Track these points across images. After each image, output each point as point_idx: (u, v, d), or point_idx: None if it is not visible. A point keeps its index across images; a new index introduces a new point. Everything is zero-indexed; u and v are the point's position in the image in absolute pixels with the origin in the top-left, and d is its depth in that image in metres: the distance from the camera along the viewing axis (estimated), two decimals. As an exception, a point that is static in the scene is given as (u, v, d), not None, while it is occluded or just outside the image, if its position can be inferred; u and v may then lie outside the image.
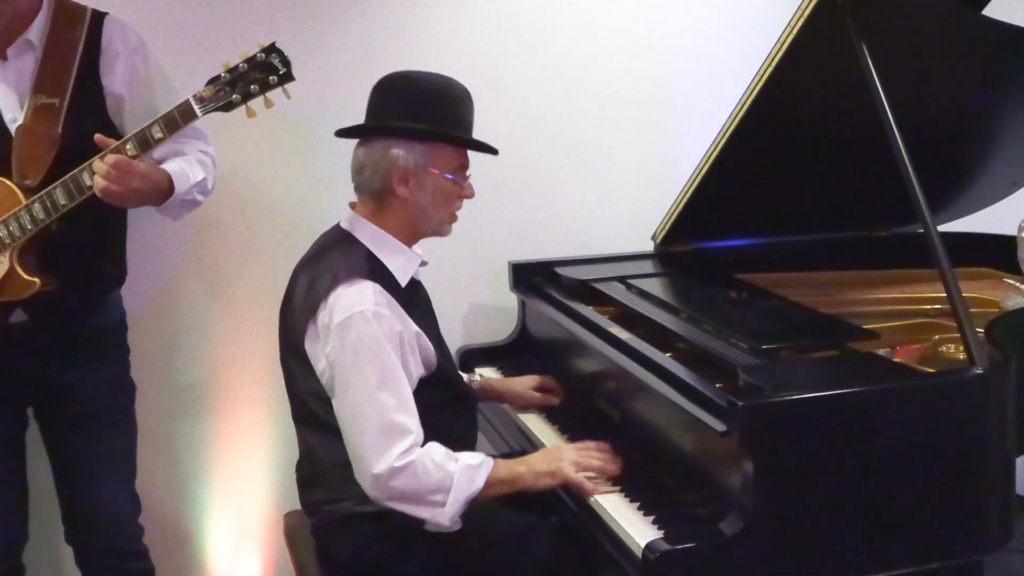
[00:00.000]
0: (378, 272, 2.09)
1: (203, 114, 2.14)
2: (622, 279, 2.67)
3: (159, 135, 2.15)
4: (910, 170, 2.05)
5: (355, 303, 2.02)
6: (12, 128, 2.23)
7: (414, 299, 2.19)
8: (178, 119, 2.14)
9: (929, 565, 1.90)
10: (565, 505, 2.15)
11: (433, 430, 2.04)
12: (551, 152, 3.09)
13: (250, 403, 2.93)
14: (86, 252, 2.34)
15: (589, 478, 2.08)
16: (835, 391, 1.86)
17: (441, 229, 2.21)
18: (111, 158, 2.13)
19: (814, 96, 2.43)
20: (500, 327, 2.97)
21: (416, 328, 2.11)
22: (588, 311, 2.52)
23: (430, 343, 2.15)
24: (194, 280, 2.88)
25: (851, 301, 2.66)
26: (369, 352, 2.00)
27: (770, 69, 2.33)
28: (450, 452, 2.02)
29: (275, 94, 2.16)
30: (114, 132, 2.28)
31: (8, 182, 2.22)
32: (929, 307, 2.58)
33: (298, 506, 2.29)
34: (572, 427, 2.37)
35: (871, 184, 2.53)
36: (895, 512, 1.87)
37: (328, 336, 2.03)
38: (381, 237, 2.15)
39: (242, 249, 2.88)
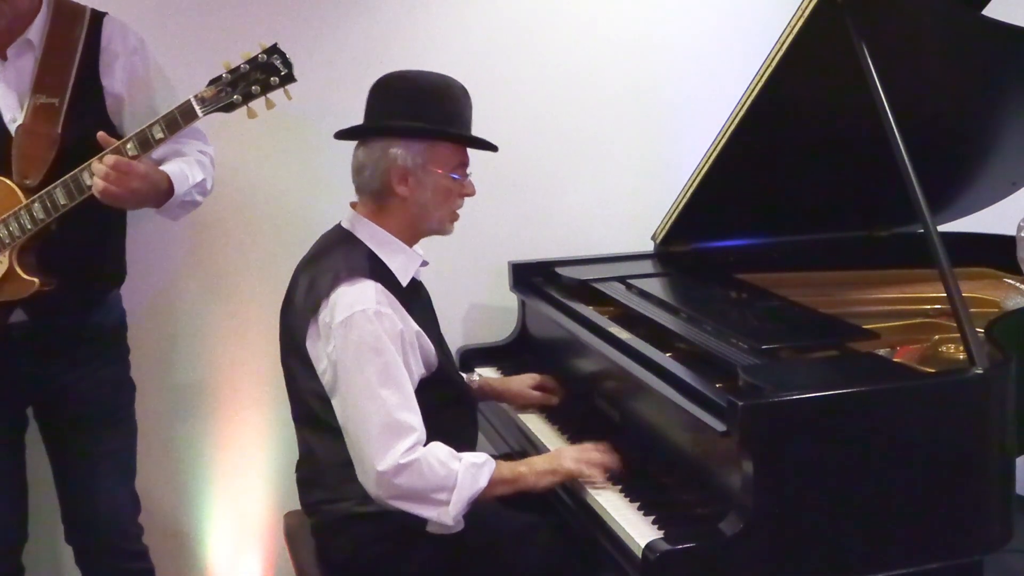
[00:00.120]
0: (379, 272, 2.10)
1: (204, 115, 2.14)
2: (622, 279, 2.67)
3: (160, 135, 2.15)
4: (910, 170, 2.05)
5: (356, 302, 2.02)
6: (12, 128, 2.23)
7: (415, 299, 2.19)
8: (179, 119, 2.14)
9: (929, 565, 1.90)
10: (565, 505, 2.15)
11: (434, 430, 2.04)
12: (551, 152, 3.09)
13: (250, 403, 2.93)
14: (86, 252, 2.34)
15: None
16: (835, 391, 1.86)
17: (442, 228, 2.22)
18: (110, 159, 2.13)
19: (814, 96, 2.43)
20: (500, 327, 2.97)
21: (417, 328, 2.11)
22: (588, 311, 2.52)
23: (431, 343, 2.15)
24: (194, 280, 2.88)
25: (851, 301, 2.66)
26: (371, 350, 2.00)
27: (770, 69, 2.33)
28: (453, 451, 2.03)
29: (276, 95, 2.16)
30: (114, 132, 2.27)
31: (8, 182, 2.21)
32: (929, 307, 2.58)
33: (298, 506, 2.29)
34: (572, 427, 2.37)
35: (871, 184, 2.53)
36: (895, 512, 1.87)
37: (329, 335, 2.03)
38: (382, 237, 2.15)
39: (242, 249, 2.88)
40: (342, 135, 2.18)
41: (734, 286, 2.58)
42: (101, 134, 2.16)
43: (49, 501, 2.53)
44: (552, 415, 2.48)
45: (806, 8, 2.22)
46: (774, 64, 2.32)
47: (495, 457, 2.12)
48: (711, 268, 2.76)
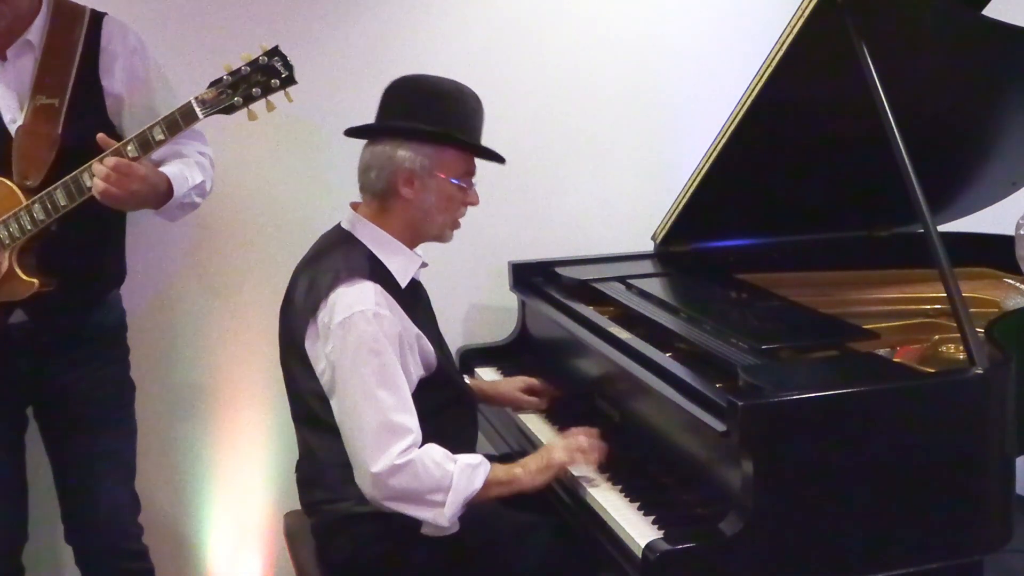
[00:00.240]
0: (378, 272, 2.10)
1: (205, 116, 2.14)
2: (622, 279, 2.67)
3: (160, 136, 2.15)
4: (910, 170, 2.05)
5: (355, 303, 2.02)
6: (12, 129, 2.23)
7: (414, 300, 2.19)
8: (179, 121, 2.14)
9: (929, 565, 1.90)
10: (565, 505, 2.16)
11: (433, 430, 2.04)
12: (551, 152, 3.09)
13: (250, 403, 2.93)
14: (86, 252, 2.34)
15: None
16: (835, 391, 1.86)
17: (443, 234, 2.21)
18: (110, 160, 2.13)
19: (814, 96, 2.43)
20: (500, 327, 2.97)
21: (416, 330, 2.11)
22: (588, 311, 2.52)
23: (430, 344, 2.15)
24: (194, 280, 2.88)
25: (851, 301, 2.66)
26: (369, 352, 2.00)
27: (770, 69, 2.33)
28: (448, 453, 2.03)
29: (277, 97, 2.16)
30: (114, 132, 2.27)
31: (8, 182, 2.22)
32: (929, 307, 2.58)
33: (298, 506, 2.29)
34: (572, 427, 2.36)
35: (871, 184, 2.53)
36: (895, 512, 1.87)
37: (328, 335, 2.03)
38: (382, 238, 2.15)
39: (242, 249, 2.88)
40: (352, 133, 2.18)
41: (734, 286, 2.58)
42: (101, 136, 2.16)
43: (49, 501, 2.53)
44: (552, 415, 2.48)
45: (806, 8, 2.22)
46: (774, 64, 2.32)
47: (493, 458, 2.12)
48: (711, 268, 2.76)
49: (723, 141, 2.52)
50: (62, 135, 2.23)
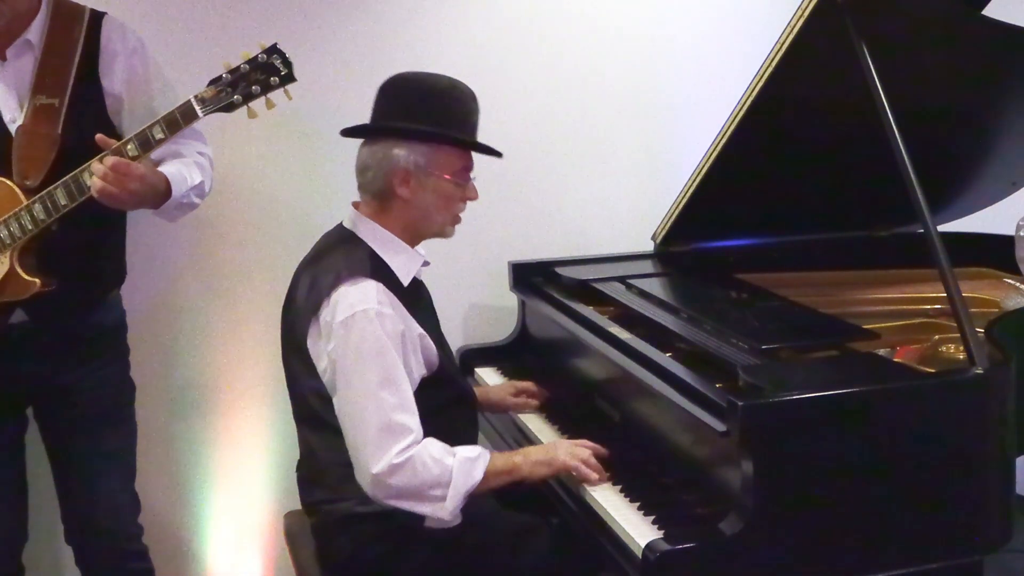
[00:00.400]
0: (381, 271, 2.10)
1: (204, 115, 2.14)
2: (622, 279, 2.67)
3: (160, 135, 2.15)
4: (910, 170, 2.05)
5: (358, 302, 2.02)
6: (12, 128, 2.23)
7: (416, 298, 2.19)
8: (179, 120, 2.14)
9: (929, 565, 1.90)
10: (565, 505, 2.15)
11: (434, 430, 2.04)
12: (551, 152, 3.09)
13: (250, 403, 2.93)
14: (86, 252, 2.34)
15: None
16: (835, 391, 1.86)
17: (443, 231, 2.21)
18: (109, 160, 2.13)
19: (814, 96, 2.43)
20: (500, 327, 2.97)
21: (419, 328, 2.11)
22: (588, 311, 2.52)
23: (432, 343, 2.15)
24: (194, 280, 2.88)
25: (851, 301, 2.66)
26: (371, 351, 2.00)
27: (770, 69, 2.33)
28: (447, 447, 2.03)
29: (276, 95, 2.16)
30: (113, 132, 2.27)
31: (8, 182, 2.21)
32: (929, 307, 2.58)
33: (298, 506, 2.29)
34: (572, 427, 2.37)
35: (871, 184, 2.53)
36: (895, 512, 1.87)
37: (330, 334, 2.03)
38: (384, 236, 2.15)
39: (242, 249, 2.88)
40: (348, 133, 2.18)
41: (734, 286, 2.58)
42: (100, 136, 2.16)
43: (49, 501, 2.53)
44: (552, 415, 2.48)
45: (806, 8, 2.22)
46: (774, 64, 2.32)
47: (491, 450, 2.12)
48: (711, 268, 2.76)
49: (723, 141, 2.52)
50: (62, 135, 2.23)
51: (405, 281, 2.14)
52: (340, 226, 2.22)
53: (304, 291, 2.13)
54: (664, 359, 2.15)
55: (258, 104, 2.16)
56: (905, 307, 2.61)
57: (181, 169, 2.31)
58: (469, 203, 2.23)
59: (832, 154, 2.56)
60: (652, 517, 1.94)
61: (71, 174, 2.16)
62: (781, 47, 2.29)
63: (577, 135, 3.10)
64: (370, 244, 2.14)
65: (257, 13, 2.78)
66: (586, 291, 2.64)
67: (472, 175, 2.20)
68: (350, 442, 2.02)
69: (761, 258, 2.83)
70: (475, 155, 2.20)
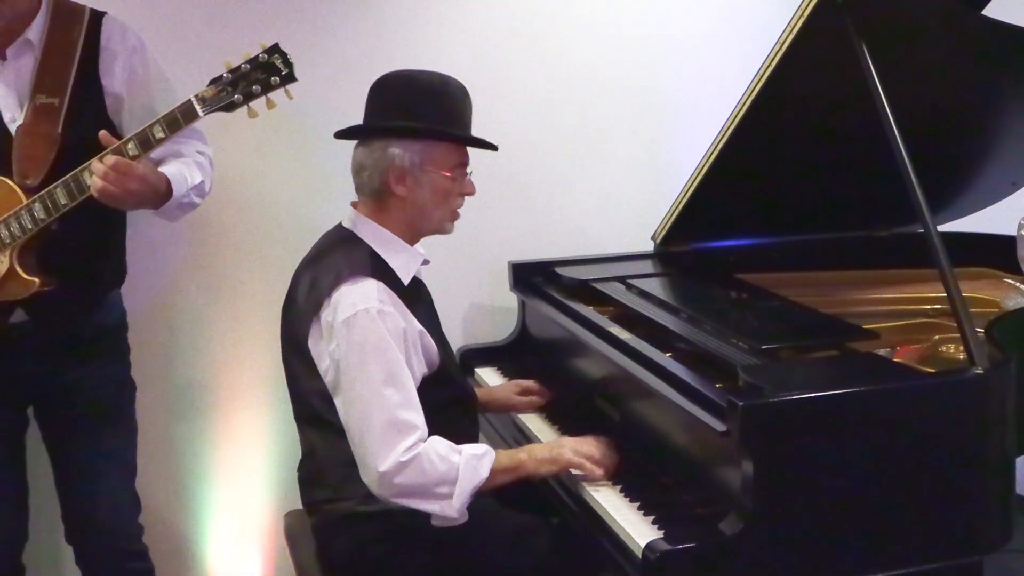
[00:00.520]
0: (381, 270, 2.10)
1: (205, 114, 2.14)
2: (622, 279, 2.67)
3: (161, 135, 2.15)
4: (910, 170, 2.05)
5: (359, 301, 2.02)
6: (12, 128, 2.23)
7: (416, 297, 2.19)
8: (180, 119, 2.14)
9: (929, 565, 1.89)
10: (565, 505, 2.16)
11: (435, 429, 2.04)
12: (551, 152, 3.09)
13: (250, 403, 2.93)
14: (86, 252, 2.34)
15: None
16: (835, 391, 1.86)
17: (442, 227, 2.22)
18: (110, 159, 2.13)
19: (814, 96, 2.43)
20: (500, 327, 2.97)
21: (420, 327, 2.11)
22: (588, 311, 2.52)
23: (433, 341, 2.15)
24: (194, 280, 2.88)
25: (851, 301, 2.66)
26: (374, 349, 2.00)
27: (770, 69, 2.33)
28: (453, 444, 2.03)
29: (277, 95, 2.16)
30: (113, 132, 2.27)
31: (8, 182, 2.22)
32: (929, 307, 2.58)
33: (298, 506, 2.29)
34: (572, 427, 2.37)
35: (871, 184, 2.53)
36: (895, 512, 1.87)
37: (332, 334, 2.03)
38: (383, 236, 2.15)
39: (242, 249, 2.88)
40: (341, 135, 2.18)
41: (734, 286, 2.57)
42: (103, 133, 2.16)
43: (49, 501, 2.53)
44: (552, 415, 2.48)
45: (806, 8, 2.22)
46: (774, 64, 2.32)
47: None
48: (711, 268, 2.76)
49: (723, 141, 2.52)
50: (62, 134, 2.23)
51: (405, 280, 2.14)
52: (339, 226, 2.22)
53: (304, 291, 2.13)
54: (664, 359, 2.15)
55: (259, 104, 2.16)
56: (905, 307, 2.61)
57: (182, 169, 2.31)
58: (470, 203, 2.23)
59: (832, 154, 2.56)
60: (652, 517, 1.94)
61: (71, 173, 2.17)
62: (781, 47, 2.29)
63: (577, 135, 3.10)
64: (370, 243, 2.14)
65: (258, 13, 2.78)
66: (586, 291, 2.64)
67: (468, 170, 2.20)
68: (355, 441, 2.02)
69: (761, 258, 2.83)
70: (473, 153, 2.21)
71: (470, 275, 3.04)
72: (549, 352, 2.70)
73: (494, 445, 2.59)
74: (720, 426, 1.83)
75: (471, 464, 2.02)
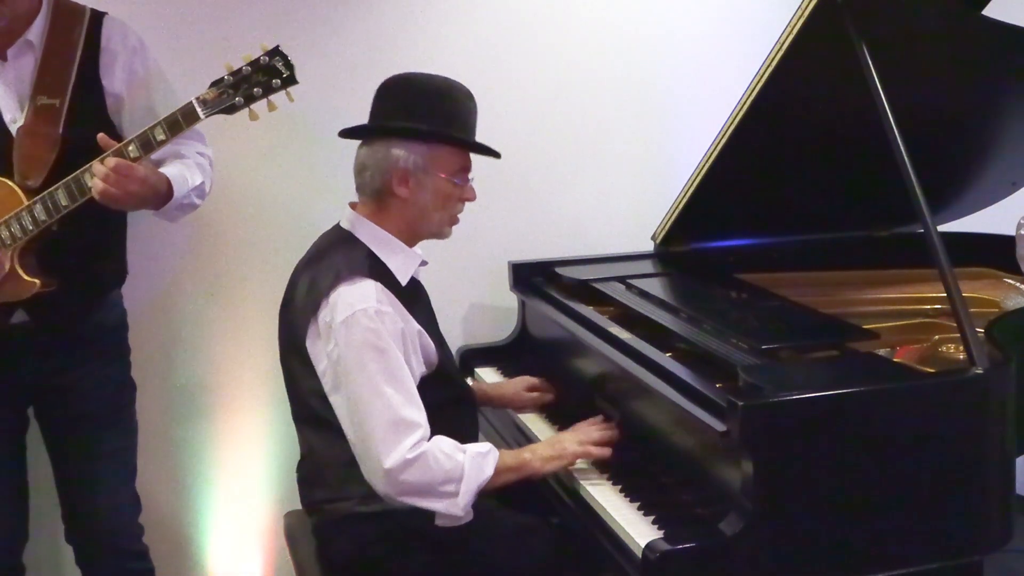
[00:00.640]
0: (379, 271, 2.10)
1: (206, 116, 2.14)
2: (622, 279, 2.67)
3: (162, 137, 2.15)
4: (910, 170, 2.05)
5: (357, 301, 2.02)
6: (13, 129, 2.23)
7: (414, 298, 2.20)
8: (181, 121, 2.14)
9: (929, 565, 1.89)
10: (565, 505, 2.16)
11: (434, 429, 2.04)
12: (551, 152, 3.09)
13: (250, 403, 2.93)
14: (87, 253, 2.34)
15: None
16: (835, 391, 1.86)
17: (441, 231, 2.22)
18: (111, 161, 2.13)
19: (814, 96, 2.43)
20: (500, 327, 2.97)
21: (418, 326, 2.11)
22: (588, 311, 2.52)
23: (431, 341, 2.15)
24: (194, 280, 2.88)
25: (851, 301, 2.66)
26: (373, 349, 2.00)
27: (770, 69, 2.34)
28: (457, 443, 2.04)
29: (278, 97, 2.16)
30: (114, 132, 2.28)
31: (9, 183, 2.22)
32: (929, 307, 2.58)
33: (298, 506, 2.29)
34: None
35: (871, 184, 2.53)
36: (895, 512, 1.87)
37: (330, 334, 2.03)
38: (382, 236, 2.15)
39: (242, 249, 2.88)
40: (346, 134, 2.18)
41: (734, 286, 2.58)
42: (101, 136, 2.16)
43: (50, 501, 2.53)
44: (552, 415, 2.49)
45: (806, 8, 2.22)
46: (774, 64, 2.32)
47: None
48: (711, 268, 2.76)
49: (723, 141, 2.52)
50: (63, 135, 2.23)
51: (403, 281, 2.15)
52: (337, 227, 2.22)
53: (302, 292, 2.13)
54: (664, 359, 2.15)
55: (259, 106, 2.16)
56: (905, 307, 2.61)
57: (182, 170, 2.31)
58: (471, 204, 2.24)
59: (832, 154, 2.56)
60: (652, 517, 1.94)
61: (72, 175, 2.17)
62: (781, 47, 2.29)
63: (577, 135, 3.10)
64: (368, 244, 2.14)
65: (259, 15, 2.78)
66: (586, 291, 2.65)
67: (470, 176, 2.20)
68: (358, 441, 2.02)
69: (761, 258, 2.83)
70: (474, 156, 2.21)
71: (470, 275, 3.04)
72: (549, 352, 2.70)
73: (494, 444, 2.60)
74: (720, 426, 1.83)
75: (476, 462, 2.02)
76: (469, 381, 2.59)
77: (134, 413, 2.55)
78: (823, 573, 1.86)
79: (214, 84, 2.15)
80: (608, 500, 2.03)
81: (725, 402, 1.83)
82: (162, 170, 2.28)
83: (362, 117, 2.20)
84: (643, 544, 1.81)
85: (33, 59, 2.26)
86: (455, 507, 2.00)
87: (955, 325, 1.99)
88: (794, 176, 2.61)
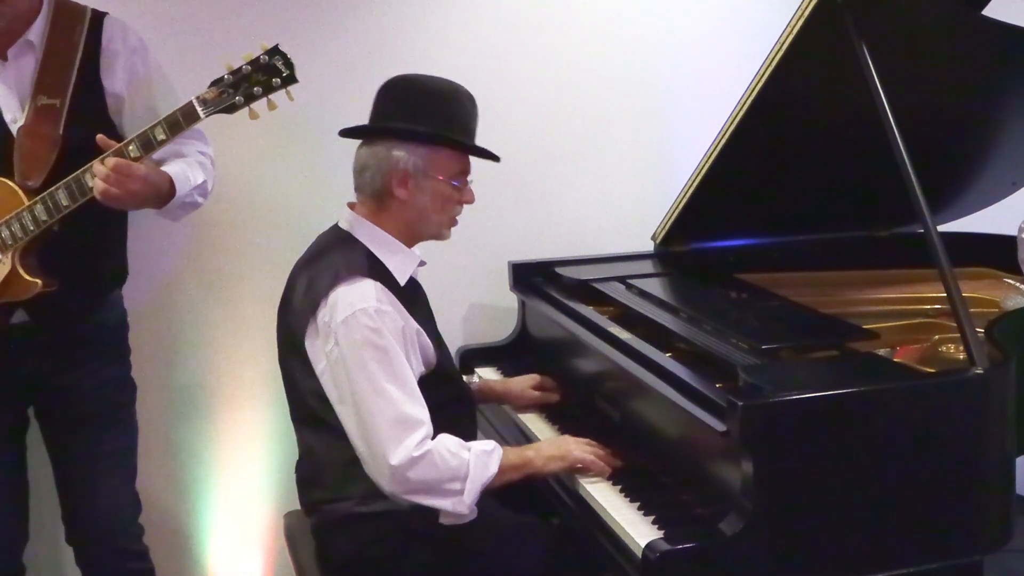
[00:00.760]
0: (377, 271, 2.10)
1: (206, 116, 2.14)
2: (622, 279, 2.67)
3: (162, 136, 2.15)
4: (910, 170, 2.05)
5: (357, 300, 2.03)
6: (13, 129, 2.23)
7: (413, 298, 2.20)
8: (181, 121, 2.14)
9: (929, 565, 1.90)
10: (565, 505, 2.16)
11: (434, 429, 2.04)
12: (551, 152, 3.09)
13: (250, 403, 2.93)
14: (87, 253, 2.34)
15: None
16: (835, 391, 1.86)
17: (439, 233, 2.22)
18: (111, 161, 2.13)
19: (814, 96, 2.43)
20: (500, 327, 2.97)
21: (416, 325, 2.12)
22: (588, 311, 2.52)
23: (430, 341, 2.15)
24: (194, 280, 2.88)
25: (851, 301, 2.66)
26: (374, 348, 2.00)
27: (770, 69, 2.34)
28: (462, 441, 2.05)
29: (278, 96, 2.16)
30: (114, 132, 2.28)
31: (10, 183, 2.22)
32: (929, 307, 2.58)
33: (298, 506, 2.29)
34: (572, 427, 2.36)
35: (871, 184, 2.53)
36: (895, 512, 1.87)
37: (329, 334, 2.04)
38: (380, 237, 2.15)
39: (242, 249, 2.88)
40: (347, 133, 2.19)
41: (734, 286, 2.58)
42: (100, 137, 2.16)
43: (50, 501, 2.53)
44: (552, 415, 2.49)
45: (806, 8, 2.22)
46: (774, 64, 2.32)
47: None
48: (711, 268, 2.76)
49: (723, 141, 2.52)
50: (63, 135, 2.23)
51: (402, 281, 2.15)
52: (336, 227, 2.22)
53: (301, 292, 2.13)
54: (664, 359, 2.15)
55: (260, 105, 2.16)
56: (905, 307, 2.61)
57: (184, 169, 2.31)
58: (471, 204, 2.23)
59: (832, 154, 2.56)
60: (652, 517, 1.94)
61: (73, 175, 2.17)
62: (781, 47, 2.29)
63: (577, 135, 3.10)
64: (367, 244, 2.14)
65: (259, 14, 2.78)
66: (586, 291, 2.65)
67: (469, 178, 2.20)
68: (363, 439, 2.02)
69: (761, 258, 2.83)
70: (473, 158, 2.21)
71: (470, 275, 3.04)
72: (549, 352, 2.70)
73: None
74: (720, 426, 1.83)
75: (481, 460, 2.03)
76: (475, 378, 2.59)
77: (134, 413, 2.55)
78: (823, 573, 1.86)
79: (214, 83, 2.15)
80: (608, 500, 2.03)
81: (725, 402, 1.83)
82: (164, 168, 2.28)
83: (362, 117, 2.20)
84: (643, 544, 1.81)
85: (34, 59, 2.26)
86: (461, 505, 2.00)
87: (955, 325, 1.99)
88: (794, 176, 2.61)
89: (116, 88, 2.32)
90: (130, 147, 2.15)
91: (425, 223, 2.18)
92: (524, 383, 2.55)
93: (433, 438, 2.02)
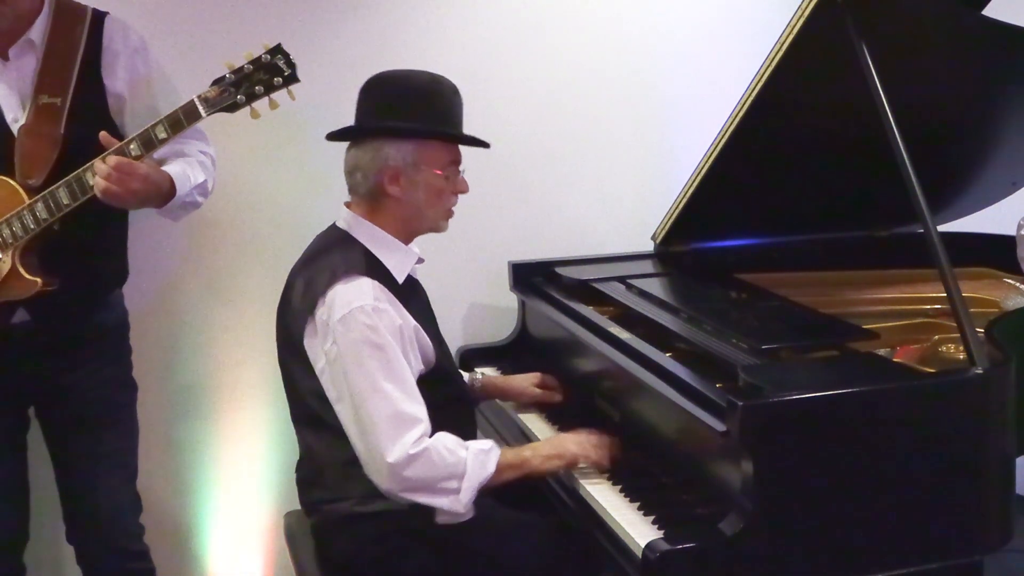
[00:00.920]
0: (375, 269, 2.10)
1: (208, 115, 2.14)
2: (622, 279, 2.67)
3: (163, 135, 2.15)
4: (910, 170, 2.05)
5: (354, 299, 2.03)
6: (14, 128, 2.23)
7: (412, 296, 2.20)
8: (182, 120, 2.14)
9: (929, 565, 1.90)
10: (564, 505, 2.16)
11: (432, 428, 2.04)
12: (551, 152, 3.09)
13: (250, 403, 2.93)
14: (88, 252, 2.34)
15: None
16: (835, 391, 1.86)
17: (437, 225, 2.22)
18: (112, 159, 2.14)
19: (814, 96, 2.43)
20: (500, 327, 2.97)
21: (415, 323, 2.12)
22: (588, 311, 2.52)
23: (428, 339, 2.15)
24: (194, 280, 2.88)
25: (851, 301, 2.66)
26: (372, 346, 2.01)
27: (770, 69, 2.34)
28: (460, 439, 2.05)
29: (279, 95, 2.17)
30: (115, 132, 2.27)
31: (11, 182, 2.22)
32: (929, 307, 2.58)
33: (298, 506, 2.29)
34: (572, 427, 2.35)
35: (871, 184, 2.53)
36: (895, 512, 1.87)
37: (327, 333, 2.04)
38: (378, 235, 2.16)
39: (242, 249, 2.88)
40: (333, 136, 2.19)
41: (734, 286, 2.58)
42: (103, 134, 2.16)
43: (50, 501, 2.53)
44: (552, 415, 2.49)
45: (806, 8, 2.22)
46: (774, 64, 2.32)
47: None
48: (711, 268, 2.77)
49: (723, 141, 2.52)
50: (64, 134, 2.23)
51: (400, 278, 2.15)
52: (334, 227, 2.22)
53: (299, 291, 2.13)
54: (664, 359, 2.15)
55: (261, 104, 2.17)
56: (905, 307, 2.61)
57: (185, 168, 2.32)
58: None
59: (832, 154, 2.56)
60: (652, 517, 1.94)
61: (74, 173, 2.17)
62: (781, 47, 2.29)
63: (577, 135, 3.10)
64: (364, 243, 2.15)
65: (260, 14, 2.78)
66: (586, 291, 2.65)
67: (461, 168, 2.20)
68: (360, 437, 2.02)
69: (761, 258, 2.83)
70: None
71: (470, 275, 3.04)
72: (549, 352, 2.70)
73: (495, 443, 2.60)
74: (720, 426, 1.83)
75: (479, 459, 2.03)
76: (479, 374, 2.59)
77: (134, 413, 2.55)
78: (823, 573, 1.86)
79: (216, 82, 2.15)
80: (608, 500, 2.03)
81: (725, 402, 1.83)
82: (165, 168, 2.29)
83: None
84: (643, 544, 1.81)
85: (35, 58, 2.26)
86: (457, 504, 2.01)
87: (955, 325, 1.99)
88: (794, 176, 2.61)
89: (117, 88, 2.32)
90: (131, 146, 2.15)
91: (421, 217, 2.18)
92: (526, 380, 2.55)
93: (431, 436, 2.02)
